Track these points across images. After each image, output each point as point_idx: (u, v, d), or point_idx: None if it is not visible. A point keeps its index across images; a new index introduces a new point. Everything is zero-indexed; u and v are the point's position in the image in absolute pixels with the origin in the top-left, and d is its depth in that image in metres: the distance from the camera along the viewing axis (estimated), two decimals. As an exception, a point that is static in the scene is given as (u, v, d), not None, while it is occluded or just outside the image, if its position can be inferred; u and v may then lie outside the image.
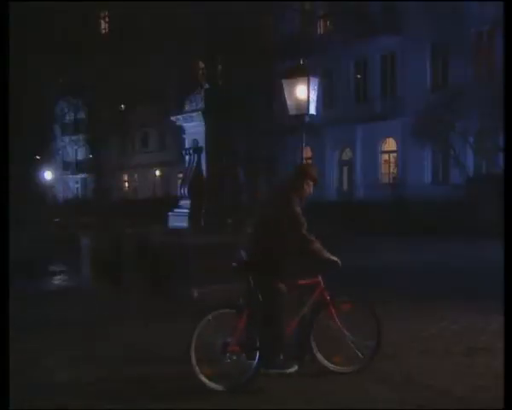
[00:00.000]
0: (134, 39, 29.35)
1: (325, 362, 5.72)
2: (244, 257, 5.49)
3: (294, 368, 5.51)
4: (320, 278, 5.65)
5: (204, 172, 10.83)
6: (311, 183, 5.74)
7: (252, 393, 5.25)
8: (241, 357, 5.37)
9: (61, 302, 10.08)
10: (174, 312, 8.60)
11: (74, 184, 59.33)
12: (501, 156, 20.42)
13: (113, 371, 5.99)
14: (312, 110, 8.10)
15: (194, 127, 11.11)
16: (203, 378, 5.30)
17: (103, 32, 39.59)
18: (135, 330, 7.73)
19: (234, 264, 5.57)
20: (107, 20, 38.89)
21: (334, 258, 5.53)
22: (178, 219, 10.89)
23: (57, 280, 13.44)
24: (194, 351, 5.31)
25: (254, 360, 5.36)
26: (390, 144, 32.89)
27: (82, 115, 43.44)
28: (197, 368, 5.31)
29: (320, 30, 34.24)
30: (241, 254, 5.51)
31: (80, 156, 54.29)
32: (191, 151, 10.93)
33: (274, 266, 5.43)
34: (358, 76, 33.83)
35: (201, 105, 10.80)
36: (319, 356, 5.72)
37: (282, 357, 5.45)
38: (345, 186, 34.97)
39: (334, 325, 5.64)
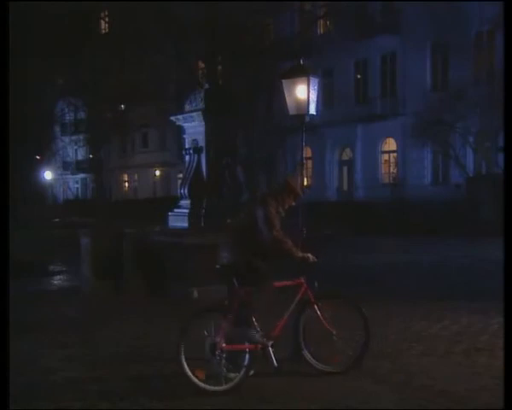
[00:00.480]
0: (134, 39, 29.37)
1: (313, 361, 5.73)
2: (226, 259, 5.55)
3: (269, 345, 5.46)
4: (303, 279, 5.68)
5: (204, 172, 10.82)
6: (292, 196, 5.79)
7: (251, 393, 5.25)
8: (230, 357, 5.38)
9: (61, 302, 10.09)
10: (174, 312, 8.60)
11: (74, 184, 59.36)
12: (501, 156, 20.41)
13: (113, 371, 5.98)
14: (312, 110, 8.08)
15: (194, 127, 11.09)
16: (194, 380, 5.31)
17: (103, 32, 39.62)
18: (135, 330, 7.73)
19: (217, 266, 5.62)
20: (107, 20, 38.91)
21: (309, 256, 5.60)
22: (178, 219, 10.87)
23: (57, 280, 13.46)
24: (184, 354, 5.33)
25: (244, 361, 5.36)
26: (390, 144, 32.89)
27: (82, 115, 43.46)
28: (187, 370, 5.32)
29: (320, 30, 34.24)
30: (224, 256, 5.56)
31: (80, 156, 54.31)
32: (191, 151, 10.92)
33: (254, 267, 5.48)
34: (358, 76, 33.82)
35: (201, 105, 10.78)
36: (306, 355, 5.74)
37: (257, 332, 5.43)
38: (345, 186, 34.97)
39: (320, 325, 5.66)
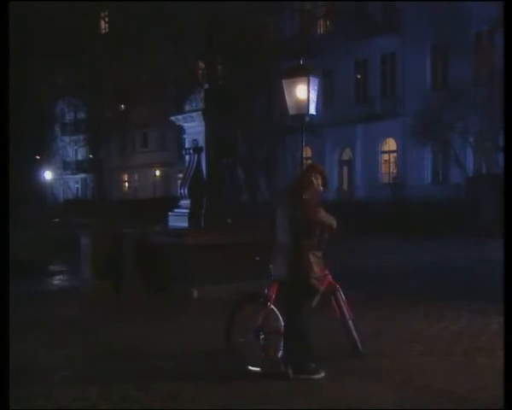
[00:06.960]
0: (134, 39, 29.38)
1: None
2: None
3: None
4: (327, 271, 6.09)
5: (204, 172, 10.82)
6: (319, 176, 5.93)
7: (252, 393, 5.25)
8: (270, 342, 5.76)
9: (61, 302, 10.09)
10: (174, 311, 8.61)
11: (74, 184, 59.35)
12: (501, 156, 20.40)
13: (114, 371, 5.99)
14: (312, 110, 8.10)
15: (194, 127, 11.09)
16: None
17: (103, 32, 39.65)
18: (135, 330, 7.73)
19: (257, 258, 6.02)
20: (107, 20, 38.94)
21: None
22: (178, 219, 10.87)
23: (57, 280, 13.46)
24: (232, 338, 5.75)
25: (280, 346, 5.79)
26: (390, 144, 32.89)
27: (82, 115, 43.45)
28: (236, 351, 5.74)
29: (320, 30, 34.24)
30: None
31: (80, 156, 54.26)
32: (191, 151, 10.92)
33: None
34: (358, 76, 33.82)
35: (201, 105, 10.78)
36: None
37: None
38: (345, 186, 34.97)
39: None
